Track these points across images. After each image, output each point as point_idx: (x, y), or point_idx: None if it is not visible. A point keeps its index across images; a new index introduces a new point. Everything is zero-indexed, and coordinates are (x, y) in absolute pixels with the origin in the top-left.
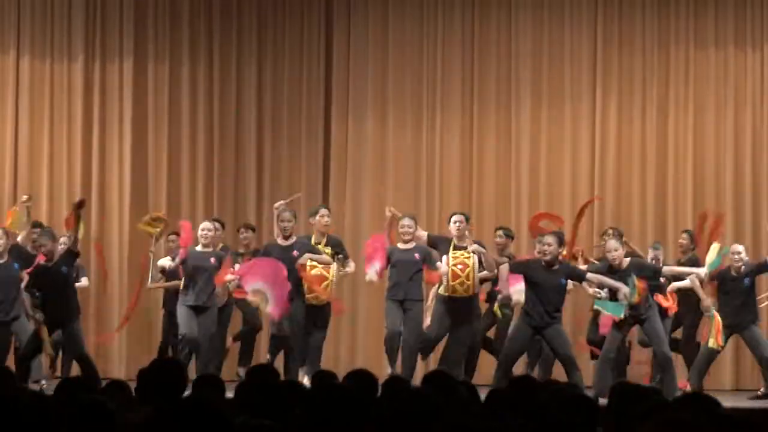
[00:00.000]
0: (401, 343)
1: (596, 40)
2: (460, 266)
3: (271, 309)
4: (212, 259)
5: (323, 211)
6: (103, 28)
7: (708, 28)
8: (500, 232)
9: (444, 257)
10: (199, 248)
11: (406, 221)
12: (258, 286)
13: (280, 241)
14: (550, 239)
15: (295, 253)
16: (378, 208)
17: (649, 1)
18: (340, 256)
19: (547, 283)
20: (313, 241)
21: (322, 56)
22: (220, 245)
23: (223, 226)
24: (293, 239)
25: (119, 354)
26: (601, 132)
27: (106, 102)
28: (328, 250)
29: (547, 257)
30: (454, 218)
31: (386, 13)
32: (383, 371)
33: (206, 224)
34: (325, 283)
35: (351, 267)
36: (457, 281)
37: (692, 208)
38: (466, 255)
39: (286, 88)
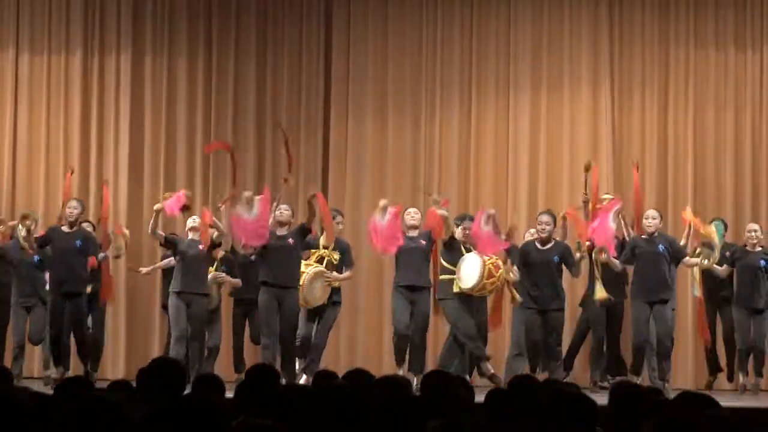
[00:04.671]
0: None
1: (596, 39)
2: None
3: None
4: (200, 246)
5: (337, 218)
6: (102, 21)
7: (708, 28)
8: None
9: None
10: (190, 236)
11: (413, 210)
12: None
13: (278, 231)
14: (546, 218)
15: (291, 241)
16: (377, 207)
17: (649, 1)
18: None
19: (540, 261)
20: (321, 242)
21: (322, 53)
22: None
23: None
24: (287, 229)
25: (119, 354)
26: (600, 130)
27: (103, 96)
28: (336, 255)
29: (544, 235)
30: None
31: (386, 10)
32: (382, 371)
33: (196, 217)
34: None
35: (346, 274)
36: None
37: (692, 207)
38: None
39: (285, 85)
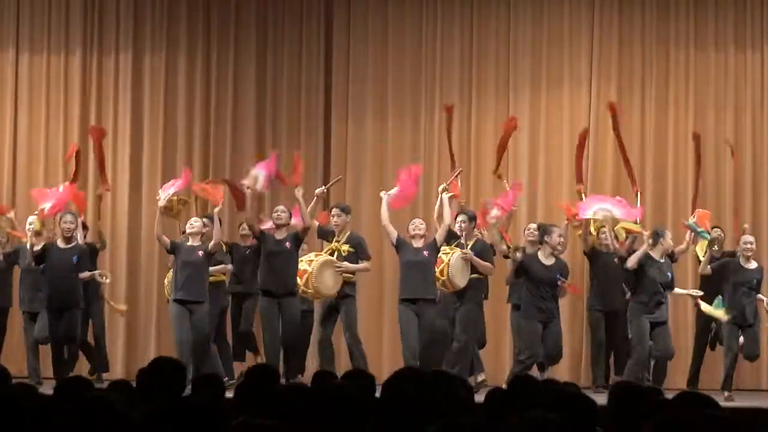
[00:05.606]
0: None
1: (596, 39)
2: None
3: (263, 179)
4: (200, 253)
5: (332, 210)
6: (101, 21)
7: (708, 29)
8: (464, 217)
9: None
10: (189, 242)
11: (417, 220)
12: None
13: (276, 235)
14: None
15: (288, 245)
16: (378, 206)
17: (648, 1)
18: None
19: (546, 276)
20: (334, 239)
21: (322, 53)
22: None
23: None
24: (285, 233)
25: (119, 354)
26: (600, 130)
27: (103, 96)
28: (346, 247)
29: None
30: (458, 218)
31: (386, 10)
32: (382, 371)
33: (194, 218)
34: (306, 276)
35: (363, 265)
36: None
37: (692, 208)
38: (446, 251)
39: (285, 85)
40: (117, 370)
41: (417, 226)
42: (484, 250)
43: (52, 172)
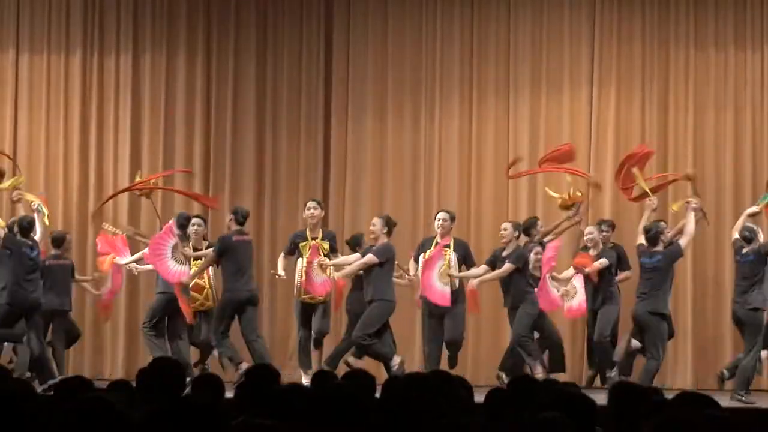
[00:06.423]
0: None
1: (596, 39)
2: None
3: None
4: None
5: (308, 204)
6: (101, 21)
7: (708, 29)
8: (444, 215)
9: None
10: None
11: (375, 218)
12: None
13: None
14: (506, 224)
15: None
16: (378, 207)
17: (648, 1)
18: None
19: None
20: (308, 235)
21: (322, 53)
22: (206, 243)
23: (205, 222)
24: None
25: (119, 354)
26: (600, 130)
27: (103, 96)
28: (325, 244)
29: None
30: (438, 215)
31: (386, 10)
32: (382, 371)
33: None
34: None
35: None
36: None
37: None
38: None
39: (285, 85)
40: (117, 370)
41: (372, 224)
42: (462, 247)
43: (52, 173)
